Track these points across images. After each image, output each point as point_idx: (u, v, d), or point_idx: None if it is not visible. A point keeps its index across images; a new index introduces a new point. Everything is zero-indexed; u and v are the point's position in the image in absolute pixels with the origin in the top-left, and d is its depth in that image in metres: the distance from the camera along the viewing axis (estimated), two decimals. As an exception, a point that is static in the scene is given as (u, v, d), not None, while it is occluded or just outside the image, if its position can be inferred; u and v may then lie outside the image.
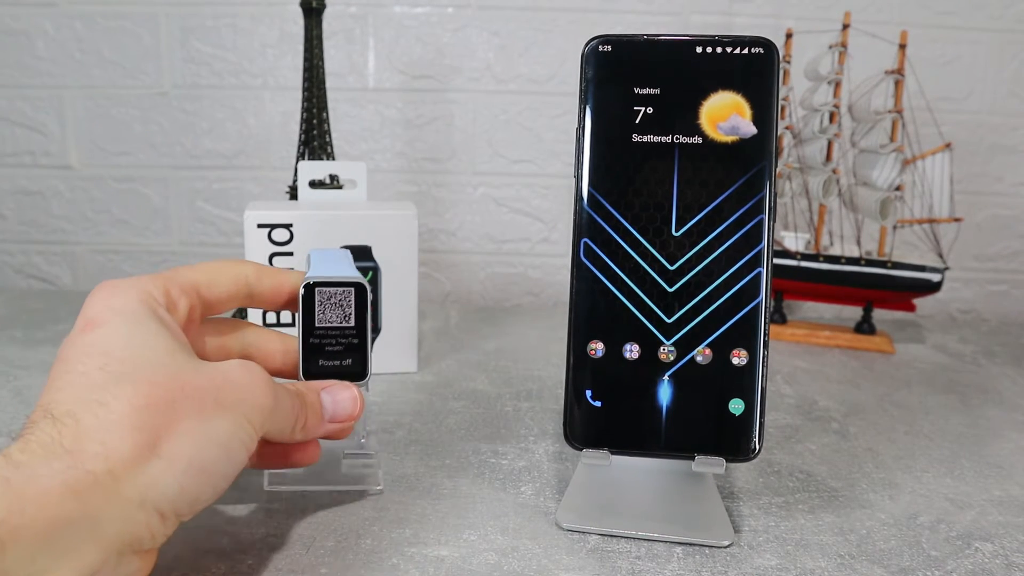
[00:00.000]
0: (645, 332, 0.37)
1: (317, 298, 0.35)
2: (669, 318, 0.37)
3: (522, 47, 0.88)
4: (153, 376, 0.27)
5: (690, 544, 0.35)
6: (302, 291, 0.35)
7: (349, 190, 0.61)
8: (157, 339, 0.29)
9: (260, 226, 0.55)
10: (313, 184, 0.61)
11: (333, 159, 0.75)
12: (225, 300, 0.35)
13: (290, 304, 0.36)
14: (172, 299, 0.32)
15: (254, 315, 0.57)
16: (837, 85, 0.75)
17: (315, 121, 0.73)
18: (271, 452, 0.35)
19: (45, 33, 0.89)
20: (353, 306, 0.35)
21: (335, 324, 0.35)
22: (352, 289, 0.35)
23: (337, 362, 0.36)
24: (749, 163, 0.37)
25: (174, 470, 0.26)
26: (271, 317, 0.57)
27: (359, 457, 0.41)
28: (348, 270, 0.37)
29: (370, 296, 0.35)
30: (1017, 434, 0.52)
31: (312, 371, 0.36)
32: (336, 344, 0.35)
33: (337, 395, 0.35)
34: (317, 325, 0.35)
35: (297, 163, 0.74)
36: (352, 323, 0.35)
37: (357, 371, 0.36)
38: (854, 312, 0.76)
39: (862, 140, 0.74)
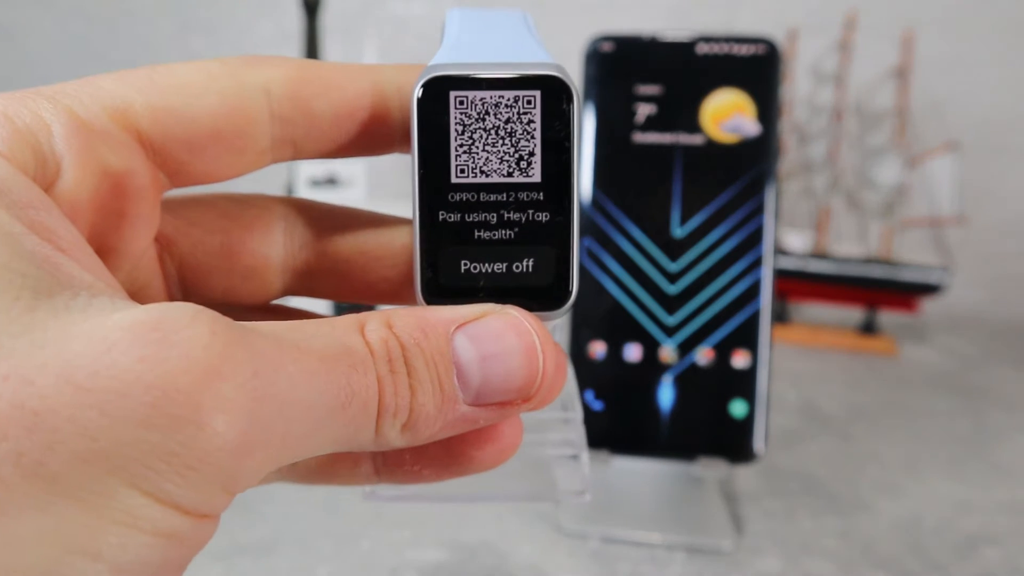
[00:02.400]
0: (646, 333, 0.37)
1: (454, 114, 0.15)
2: (671, 319, 0.37)
3: (524, 45, 0.88)
4: None
5: (692, 547, 0.35)
6: (417, 97, 0.15)
7: (348, 190, 0.61)
8: None
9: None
10: (312, 183, 0.60)
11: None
12: (212, 146, 0.15)
13: (390, 140, 0.17)
14: (46, 149, 0.13)
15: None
16: (842, 84, 0.74)
17: (315, 119, 0.73)
18: (400, 455, 0.17)
19: (40, 29, 0.88)
20: (539, 134, 0.15)
21: (497, 178, 0.15)
22: (536, 94, 0.15)
23: (502, 265, 0.16)
24: (752, 162, 0.36)
25: None
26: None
27: (551, 435, 0.20)
28: (525, 49, 0.17)
29: (579, 113, 0.15)
30: (1022, 437, 0.51)
31: (443, 286, 0.16)
32: (499, 224, 0.15)
33: (489, 341, 0.14)
34: (455, 180, 0.15)
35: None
36: (536, 175, 0.15)
37: (545, 286, 0.16)
38: (858, 313, 0.76)
39: (866, 139, 0.74)
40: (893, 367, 0.66)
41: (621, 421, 0.37)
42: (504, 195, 0.15)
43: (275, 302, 0.18)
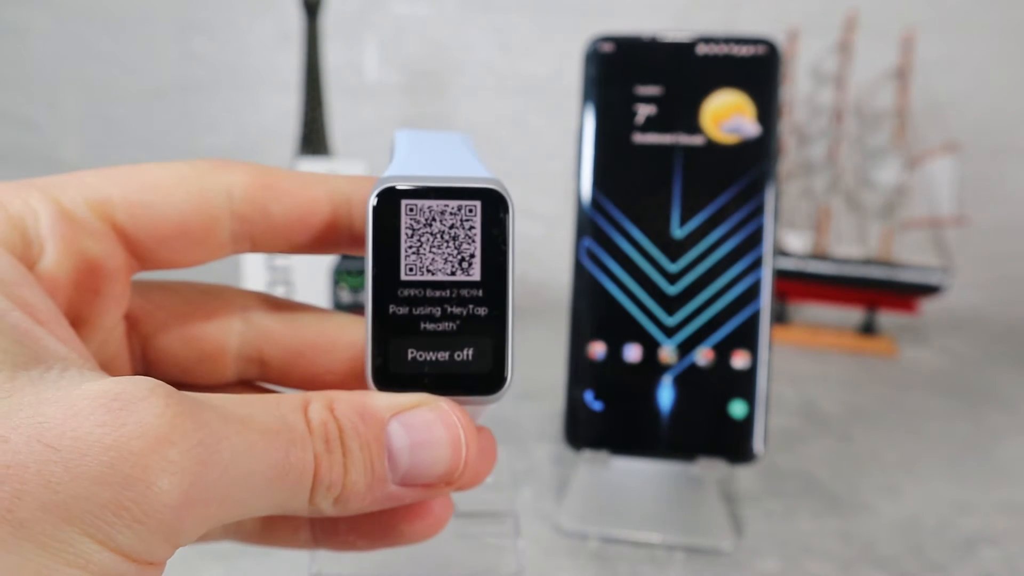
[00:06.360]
0: (646, 333, 0.37)
1: (404, 220, 0.17)
2: (670, 319, 0.37)
3: (524, 45, 0.88)
4: None
5: (692, 547, 0.35)
6: (372, 205, 0.17)
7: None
8: None
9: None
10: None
11: (332, 157, 0.74)
12: (178, 238, 0.17)
13: (338, 242, 0.19)
14: (32, 234, 0.15)
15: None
16: (842, 84, 0.74)
17: (314, 119, 0.73)
18: (335, 525, 0.20)
19: (41, 29, 0.88)
20: (479, 238, 0.17)
21: (441, 276, 0.17)
22: (477, 204, 0.17)
23: (445, 354, 0.17)
24: (752, 163, 0.36)
25: None
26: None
27: (482, 518, 0.22)
28: (467, 166, 0.19)
29: (513, 221, 0.17)
30: (1022, 438, 0.51)
31: (391, 372, 0.17)
32: (443, 317, 0.17)
33: (420, 430, 0.16)
34: (404, 277, 0.17)
35: (296, 161, 0.74)
36: (476, 274, 0.17)
37: (483, 373, 0.17)
38: (857, 314, 0.76)
39: (866, 140, 0.74)
40: (893, 368, 0.66)
41: (621, 421, 0.37)
42: (448, 291, 0.17)
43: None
